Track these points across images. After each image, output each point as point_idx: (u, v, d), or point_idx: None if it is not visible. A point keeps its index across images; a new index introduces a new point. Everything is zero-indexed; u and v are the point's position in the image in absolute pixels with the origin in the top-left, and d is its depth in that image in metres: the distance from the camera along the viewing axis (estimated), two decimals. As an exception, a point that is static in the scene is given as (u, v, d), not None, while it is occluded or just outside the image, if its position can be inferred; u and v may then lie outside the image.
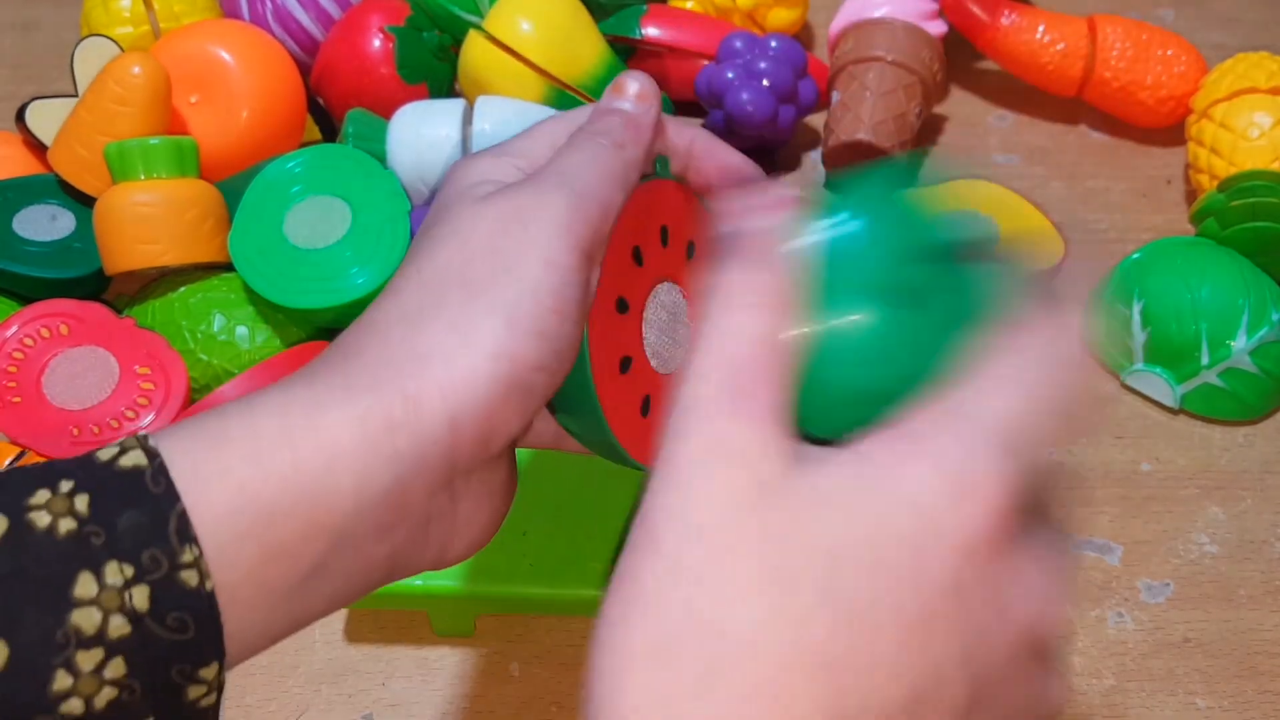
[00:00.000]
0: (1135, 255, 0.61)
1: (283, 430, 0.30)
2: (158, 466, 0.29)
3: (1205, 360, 0.57)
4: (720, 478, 0.26)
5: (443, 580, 0.47)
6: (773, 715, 0.24)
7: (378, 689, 0.50)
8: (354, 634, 0.52)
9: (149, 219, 0.56)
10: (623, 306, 0.36)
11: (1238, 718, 0.49)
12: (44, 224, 0.61)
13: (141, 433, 0.30)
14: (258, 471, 0.29)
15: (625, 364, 0.36)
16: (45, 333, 0.55)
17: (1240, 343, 0.57)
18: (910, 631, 0.25)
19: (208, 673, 0.29)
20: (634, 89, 0.37)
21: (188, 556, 0.28)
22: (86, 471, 0.29)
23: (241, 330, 0.57)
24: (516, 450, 0.36)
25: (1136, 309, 0.59)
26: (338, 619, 0.52)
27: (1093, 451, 0.58)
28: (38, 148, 0.64)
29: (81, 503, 0.28)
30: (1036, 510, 0.28)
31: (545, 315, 0.31)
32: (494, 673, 0.51)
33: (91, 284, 0.60)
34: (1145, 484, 0.57)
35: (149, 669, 0.27)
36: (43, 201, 0.61)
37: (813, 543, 0.25)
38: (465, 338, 0.31)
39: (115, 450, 0.29)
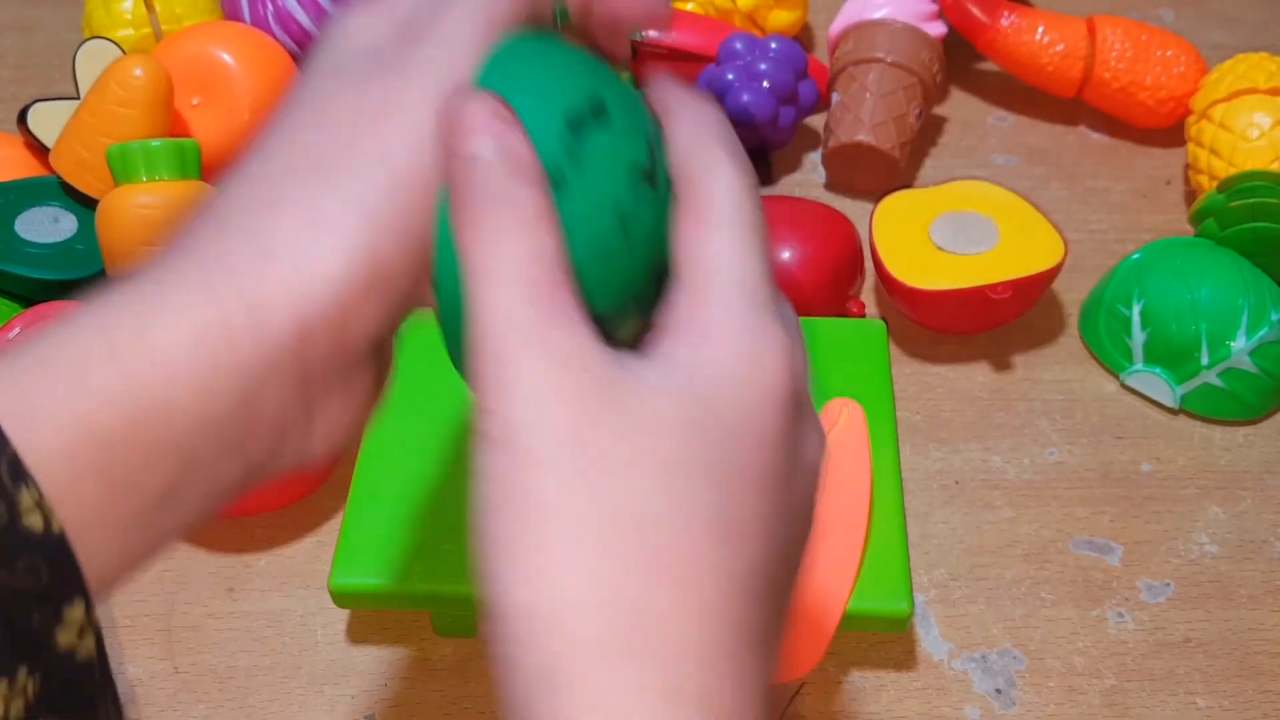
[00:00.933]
0: (1135, 256, 0.61)
1: (110, 348, 0.26)
2: None
3: (1205, 360, 0.58)
4: (568, 385, 0.26)
5: (446, 582, 0.47)
6: (685, 576, 0.26)
7: (380, 690, 0.50)
8: (356, 635, 0.52)
9: (151, 221, 0.57)
10: None
11: (1238, 718, 0.50)
12: (46, 226, 0.61)
13: None
14: (87, 398, 0.26)
15: None
16: (48, 334, 0.55)
17: (1240, 343, 0.57)
18: (767, 484, 0.27)
19: (74, 613, 0.26)
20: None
21: (27, 500, 0.25)
22: None
23: (243, 332, 0.57)
24: None
25: (1136, 309, 0.59)
26: (340, 619, 0.52)
27: (1093, 451, 0.58)
28: (40, 150, 0.64)
29: None
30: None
31: (410, 208, 0.28)
32: (496, 673, 0.51)
33: (93, 286, 0.60)
34: (1145, 484, 0.57)
35: (6, 619, 0.25)
36: (45, 203, 0.62)
37: (667, 426, 0.26)
38: (315, 231, 0.27)
39: None
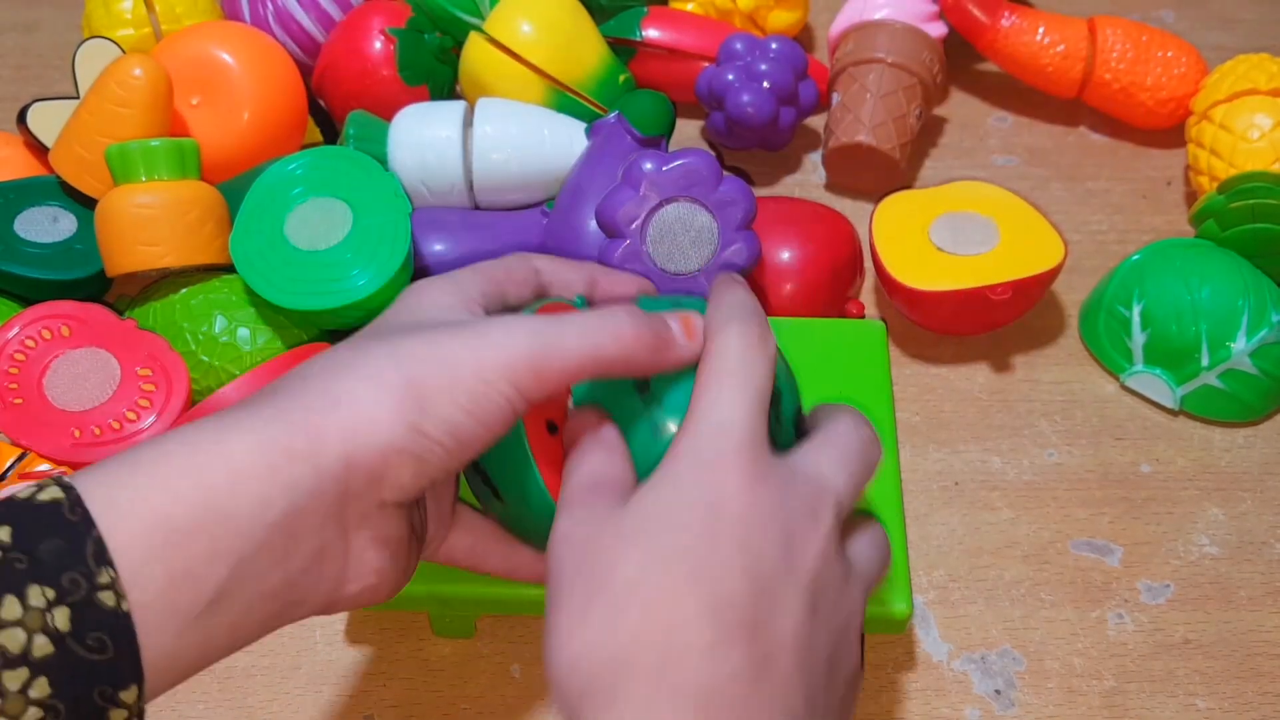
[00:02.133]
0: (1135, 257, 0.61)
1: (190, 454, 0.32)
2: (74, 498, 0.31)
3: (1205, 361, 0.58)
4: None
5: (445, 583, 0.47)
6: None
7: (379, 690, 0.50)
8: (355, 635, 0.52)
9: (150, 221, 0.57)
10: (552, 429, 0.42)
11: (1238, 719, 0.50)
12: (45, 226, 0.61)
13: (58, 474, 0.33)
14: (165, 493, 0.31)
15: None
16: (47, 334, 0.55)
17: (1240, 344, 0.57)
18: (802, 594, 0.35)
19: (128, 696, 0.30)
20: (698, 336, 0.39)
21: (104, 578, 0.30)
22: (7, 508, 0.31)
23: (243, 332, 0.57)
24: None
25: (1136, 310, 0.59)
26: (339, 619, 0.52)
27: (1093, 452, 0.58)
28: (39, 149, 0.64)
29: (4, 534, 0.30)
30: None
31: (456, 411, 0.34)
32: (495, 673, 0.51)
33: (93, 286, 0.61)
34: (1145, 485, 0.57)
35: (72, 689, 0.29)
36: (44, 203, 0.62)
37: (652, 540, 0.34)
38: (376, 392, 0.34)
39: (33, 488, 0.31)
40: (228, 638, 0.33)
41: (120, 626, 0.30)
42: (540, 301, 0.44)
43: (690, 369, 0.38)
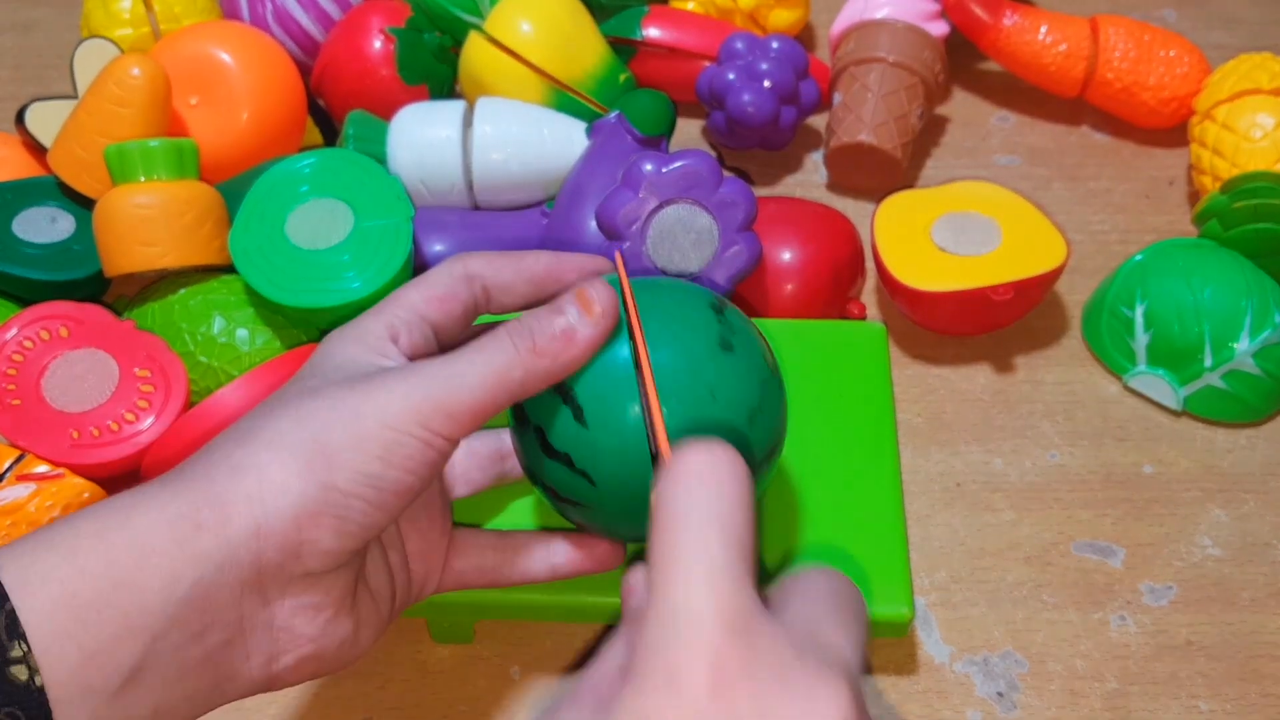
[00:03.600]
0: (1138, 257, 0.61)
1: (99, 530, 0.32)
2: None
3: (1208, 362, 0.57)
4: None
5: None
6: None
7: (377, 692, 0.50)
8: (354, 637, 0.52)
9: (148, 221, 0.56)
10: None
11: (1241, 721, 0.49)
12: (43, 226, 0.61)
13: None
14: (74, 569, 0.31)
15: None
16: (45, 335, 0.55)
17: (1243, 344, 0.57)
18: None
19: None
20: (599, 306, 0.38)
21: (16, 652, 0.30)
22: None
23: (242, 333, 0.57)
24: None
25: (1139, 311, 0.59)
26: (338, 622, 0.52)
27: (1095, 454, 0.58)
28: (37, 149, 0.64)
29: None
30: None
31: (371, 461, 0.34)
32: (494, 676, 0.51)
33: (91, 286, 0.60)
34: (1148, 486, 0.57)
35: None
36: (42, 203, 0.61)
37: None
38: (281, 455, 0.33)
39: None
40: (152, 718, 0.32)
41: (34, 702, 0.30)
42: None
43: (611, 342, 0.38)
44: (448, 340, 0.41)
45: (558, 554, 0.44)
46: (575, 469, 0.39)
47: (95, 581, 0.31)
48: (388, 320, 0.39)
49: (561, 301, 0.38)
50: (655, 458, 0.37)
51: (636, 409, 0.38)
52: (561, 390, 0.38)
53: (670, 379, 0.38)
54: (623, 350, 0.38)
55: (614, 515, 0.40)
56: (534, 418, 0.40)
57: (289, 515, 0.33)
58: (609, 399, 0.38)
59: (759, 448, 0.40)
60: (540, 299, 0.42)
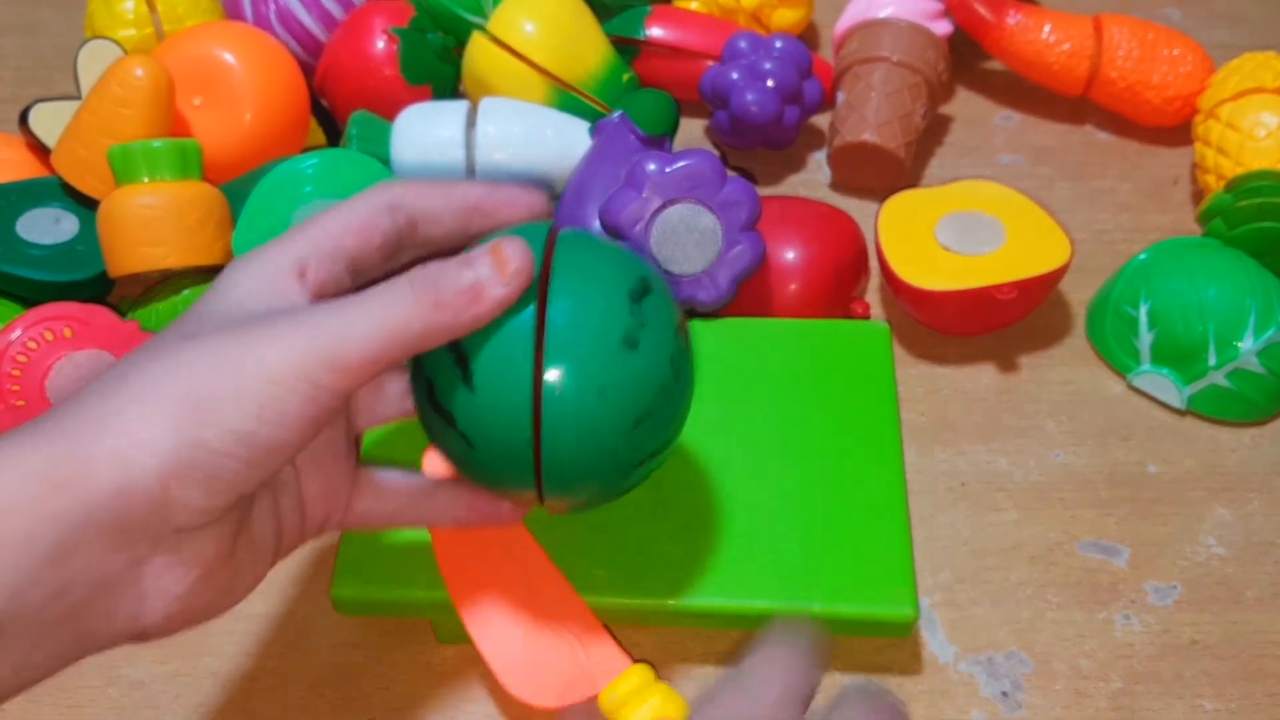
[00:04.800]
0: (1142, 256, 0.61)
1: None
2: None
3: (1212, 361, 0.57)
4: None
5: (446, 590, 0.47)
6: None
7: (381, 693, 0.50)
8: (358, 640, 0.52)
9: (152, 221, 0.56)
10: None
11: (1246, 721, 0.49)
12: (47, 227, 0.61)
13: None
14: None
15: None
16: (49, 336, 0.55)
17: (1247, 343, 0.57)
18: None
19: None
20: (514, 265, 0.35)
21: None
22: None
23: (245, 333, 0.57)
24: None
25: (1143, 310, 0.59)
26: (341, 625, 0.52)
27: (1099, 453, 0.58)
28: (41, 150, 0.64)
29: None
30: None
31: (246, 419, 0.32)
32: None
33: (95, 287, 0.60)
34: (1152, 486, 0.57)
35: None
36: (46, 204, 0.61)
37: None
38: (148, 410, 0.31)
39: None
40: (14, 676, 0.31)
41: None
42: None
43: (516, 306, 0.35)
44: (365, 274, 0.38)
45: (462, 503, 0.42)
46: (456, 429, 0.37)
47: None
48: (298, 251, 0.36)
49: (474, 254, 0.35)
50: (535, 441, 0.36)
51: (524, 387, 0.36)
52: (454, 347, 0.36)
53: (564, 368, 0.36)
54: (525, 317, 0.36)
55: (491, 478, 0.38)
56: (427, 369, 0.37)
57: (154, 474, 0.31)
58: (499, 367, 0.36)
59: (639, 450, 0.38)
60: (468, 236, 0.39)
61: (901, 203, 0.62)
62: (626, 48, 0.70)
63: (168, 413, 0.31)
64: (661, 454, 0.40)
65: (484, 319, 0.34)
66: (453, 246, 0.39)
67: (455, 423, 0.37)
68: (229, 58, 0.64)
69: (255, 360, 0.32)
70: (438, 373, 0.37)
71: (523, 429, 0.36)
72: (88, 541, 0.31)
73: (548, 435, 0.36)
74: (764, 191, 0.70)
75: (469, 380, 0.36)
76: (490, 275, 0.34)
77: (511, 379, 0.35)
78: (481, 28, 0.66)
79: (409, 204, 0.38)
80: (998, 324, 0.60)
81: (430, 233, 0.39)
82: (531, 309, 0.36)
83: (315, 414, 0.33)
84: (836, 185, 0.70)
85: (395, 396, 0.43)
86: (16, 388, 0.54)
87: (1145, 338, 0.59)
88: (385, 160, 0.62)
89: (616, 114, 0.60)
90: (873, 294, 0.64)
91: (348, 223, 0.37)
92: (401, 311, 0.33)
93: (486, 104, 0.63)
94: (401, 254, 0.39)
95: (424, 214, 0.38)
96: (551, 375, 0.35)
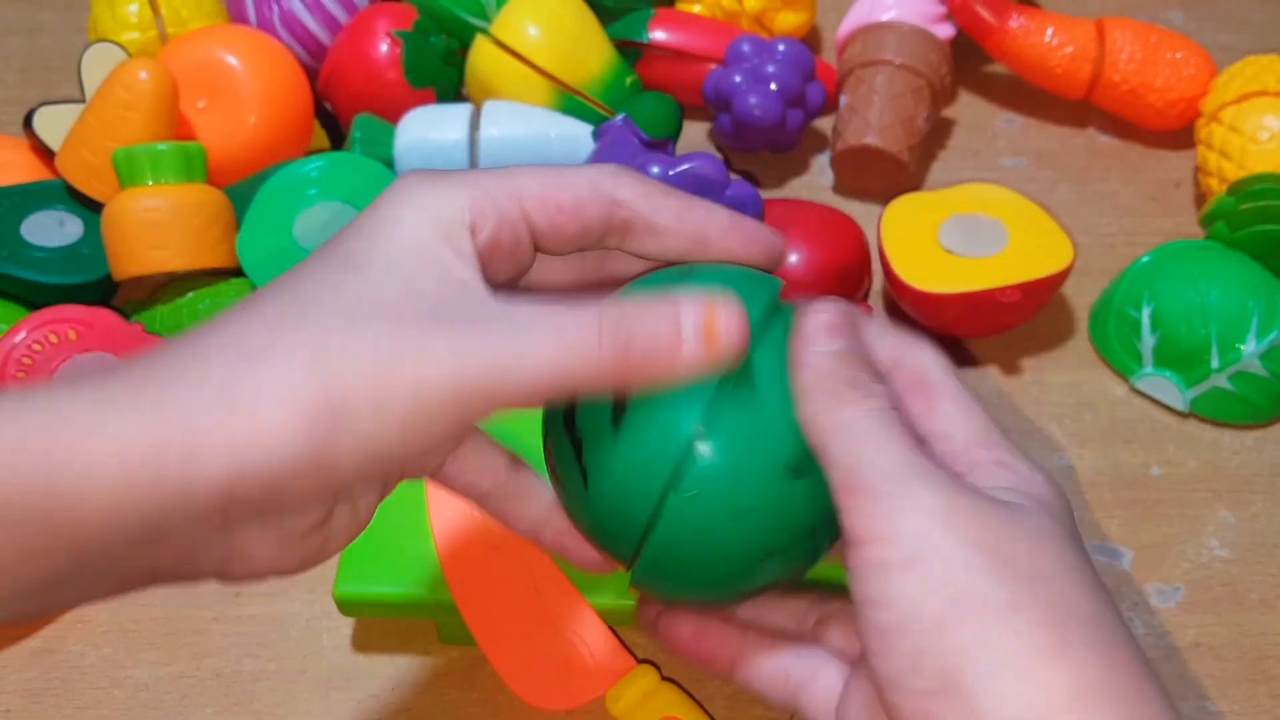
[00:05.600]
0: (1144, 259, 0.61)
1: (48, 438, 0.26)
2: None
3: (1215, 364, 0.57)
4: (963, 508, 0.30)
5: (450, 591, 0.47)
6: (1118, 659, 0.29)
7: (387, 694, 0.50)
8: (362, 640, 0.52)
9: (156, 224, 0.57)
10: None
11: (1249, 723, 0.49)
12: (52, 229, 0.61)
13: None
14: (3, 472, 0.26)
15: None
16: (53, 338, 0.55)
17: (1250, 346, 0.57)
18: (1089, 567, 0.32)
19: None
20: (725, 340, 0.30)
21: None
22: None
23: (249, 335, 0.57)
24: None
25: (1146, 312, 0.59)
26: (346, 624, 0.52)
27: (1102, 455, 0.58)
28: (45, 153, 0.64)
29: None
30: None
31: (383, 433, 0.28)
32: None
33: (99, 289, 0.60)
34: (1155, 488, 0.57)
35: None
36: (50, 207, 0.62)
37: (1044, 537, 0.31)
38: (282, 404, 0.27)
39: None
40: (80, 598, 0.29)
41: None
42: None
43: (693, 386, 0.30)
44: (545, 251, 0.33)
45: (552, 521, 0.36)
46: (579, 461, 0.33)
47: (24, 492, 0.26)
48: (478, 199, 0.31)
49: (683, 306, 0.30)
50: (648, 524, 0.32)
51: (670, 456, 0.31)
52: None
53: (715, 462, 0.31)
54: (706, 387, 0.31)
55: (590, 527, 0.34)
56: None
57: (273, 473, 0.27)
58: (655, 430, 0.31)
59: (753, 579, 0.34)
60: (683, 258, 0.34)
61: (904, 206, 0.62)
62: (629, 51, 0.71)
63: (305, 411, 0.27)
64: (777, 584, 0.35)
65: (669, 384, 0.30)
66: (660, 263, 0.35)
67: (582, 453, 0.33)
68: (233, 61, 0.64)
69: (409, 379, 0.28)
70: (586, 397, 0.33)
71: (646, 504, 0.32)
72: (186, 527, 0.28)
73: (664, 526, 0.32)
74: (767, 195, 0.70)
75: (617, 423, 0.32)
76: (694, 343, 0.30)
77: (660, 445, 0.31)
78: (485, 31, 0.66)
79: (635, 207, 0.33)
80: (1000, 327, 0.60)
81: (644, 246, 0.34)
82: (716, 381, 0.31)
83: (444, 444, 0.31)
84: (839, 188, 0.71)
85: None
86: (21, 390, 0.54)
87: (1148, 340, 0.59)
88: (389, 163, 0.62)
89: (619, 117, 0.60)
90: (875, 297, 0.64)
91: (555, 195, 0.32)
92: (583, 352, 0.29)
93: (490, 107, 0.63)
94: (594, 248, 0.34)
95: (648, 225, 0.33)
96: (701, 456, 0.31)
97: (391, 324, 0.29)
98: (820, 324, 0.33)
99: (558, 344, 0.29)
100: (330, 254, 0.31)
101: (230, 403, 0.27)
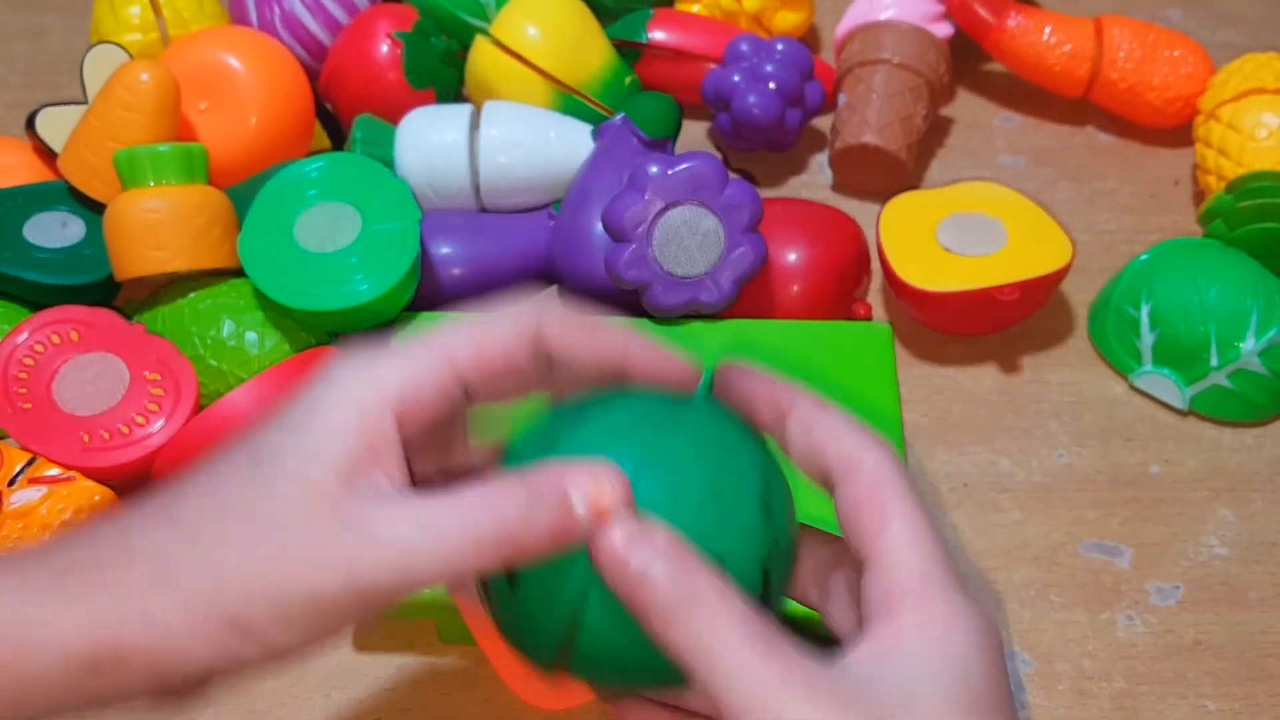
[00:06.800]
0: (1143, 257, 0.61)
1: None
2: None
3: (1214, 362, 0.57)
4: (831, 706, 0.29)
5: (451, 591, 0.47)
6: None
7: (387, 694, 0.50)
8: (363, 640, 0.52)
9: (158, 225, 0.57)
10: None
11: (1248, 720, 0.49)
12: (54, 231, 0.61)
13: None
14: None
15: None
16: (56, 339, 0.56)
17: (1249, 344, 0.57)
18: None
19: None
20: (608, 512, 0.31)
21: None
22: None
23: (251, 336, 0.57)
24: None
25: (1145, 311, 0.59)
26: (347, 624, 0.52)
27: (1102, 454, 0.58)
28: (48, 155, 0.64)
29: None
30: None
31: (289, 638, 0.31)
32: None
33: (101, 290, 0.61)
34: (1155, 486, 0.57)
35: None
36: (53, 208, 0.62)
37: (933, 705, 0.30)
38: (193, 621, 0.30)
39: None
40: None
41: None
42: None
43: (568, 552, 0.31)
44: (479, 401, 0.34)
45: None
46: (492, 610, 0.35)
47: None
48: (407, 378, 0.32)
49: (567, 487, 0.31)
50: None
51: (564, 611, 0.32)
52: None
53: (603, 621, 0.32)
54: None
55: (514, 635, 0.35)
56: None
57: (191, 675, 0.31)
58: (547, 588, 0.33)
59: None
60: (603, 382, 0.35)
61: (903, 204, 0.62)
62: (629, 51, 0.71)
63: (213, 630, 0.30)
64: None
65: (557, 551, 0.31)
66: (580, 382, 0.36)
67: (493, 605, 0.34)
68: (234, 62, 0.64)
69: (305, 588, 0.30)
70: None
71: (552, 648, 0.33)
72: (117, 703, 0.31)
73: (578, 657, 0.33)
74: (766, 193, 0.70)
75: (514, 585, 0.33)
76: (584, 520, 0.31)
77: (551, 605, 0.32)
78: (485, 32, 0.67)
79: (555, 343, 0.34)
80: (999, 325, 0.60)
81: (564, 375, 0.35)
82: None
83: (364, 624, 0.33)
84: (838, 187, 0.71)
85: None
86: (23, 390, 0.54)
87: (1147, 339, 0.59)
88: (389, 163, 0.62)
89: (619, 117, 0.60)
90: (874, 295, 0.65)
91: (486, 349, 0.33)
92: (477, 548, 0.30)
93: (490, 107, 0.63)
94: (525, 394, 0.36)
95: (567, 357, 0.34)
96: (591, 608, 0.32)
97: (291, 533, 0.31)
98: (615, 556, 0.31)
99: (449, 543, 0.30)
100: (252, 449, 0.32)
101: (150, 619, 0.30)
